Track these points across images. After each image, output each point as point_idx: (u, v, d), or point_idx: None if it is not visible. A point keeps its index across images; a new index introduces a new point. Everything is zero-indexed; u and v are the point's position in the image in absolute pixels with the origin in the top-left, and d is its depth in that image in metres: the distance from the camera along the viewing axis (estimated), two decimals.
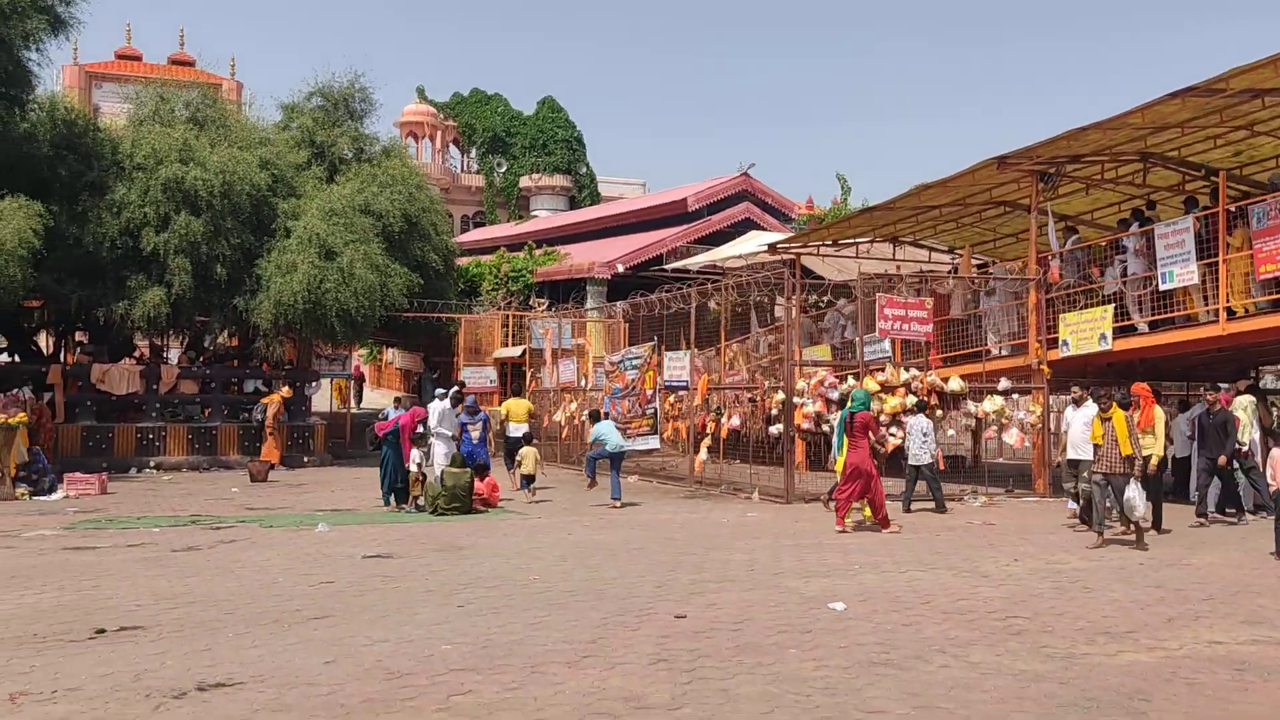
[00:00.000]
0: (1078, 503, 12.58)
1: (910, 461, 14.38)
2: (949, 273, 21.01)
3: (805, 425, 15.91)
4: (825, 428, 15.97)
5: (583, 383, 23.26)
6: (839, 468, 13.08)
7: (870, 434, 12.68)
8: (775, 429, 16.42)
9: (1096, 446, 11.53)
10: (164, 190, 21.56)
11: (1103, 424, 11.41)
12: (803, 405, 15.95)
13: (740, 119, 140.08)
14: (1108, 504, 11.37)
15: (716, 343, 24.15)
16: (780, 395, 16.16)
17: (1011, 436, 16.42)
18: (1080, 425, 12.51)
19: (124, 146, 22.23)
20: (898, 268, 21.39)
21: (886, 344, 17.99)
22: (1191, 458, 14.43)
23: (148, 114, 24.00)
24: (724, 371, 22.91)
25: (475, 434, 16.09)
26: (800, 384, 16.10)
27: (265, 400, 22.77)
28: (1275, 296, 14.40)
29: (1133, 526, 11.38)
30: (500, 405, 21.85)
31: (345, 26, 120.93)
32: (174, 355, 26.00)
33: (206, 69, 40.05)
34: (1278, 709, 5.65)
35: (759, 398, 16.96)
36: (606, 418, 17.76)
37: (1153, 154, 17.46)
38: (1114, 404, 11.43)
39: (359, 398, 37.11)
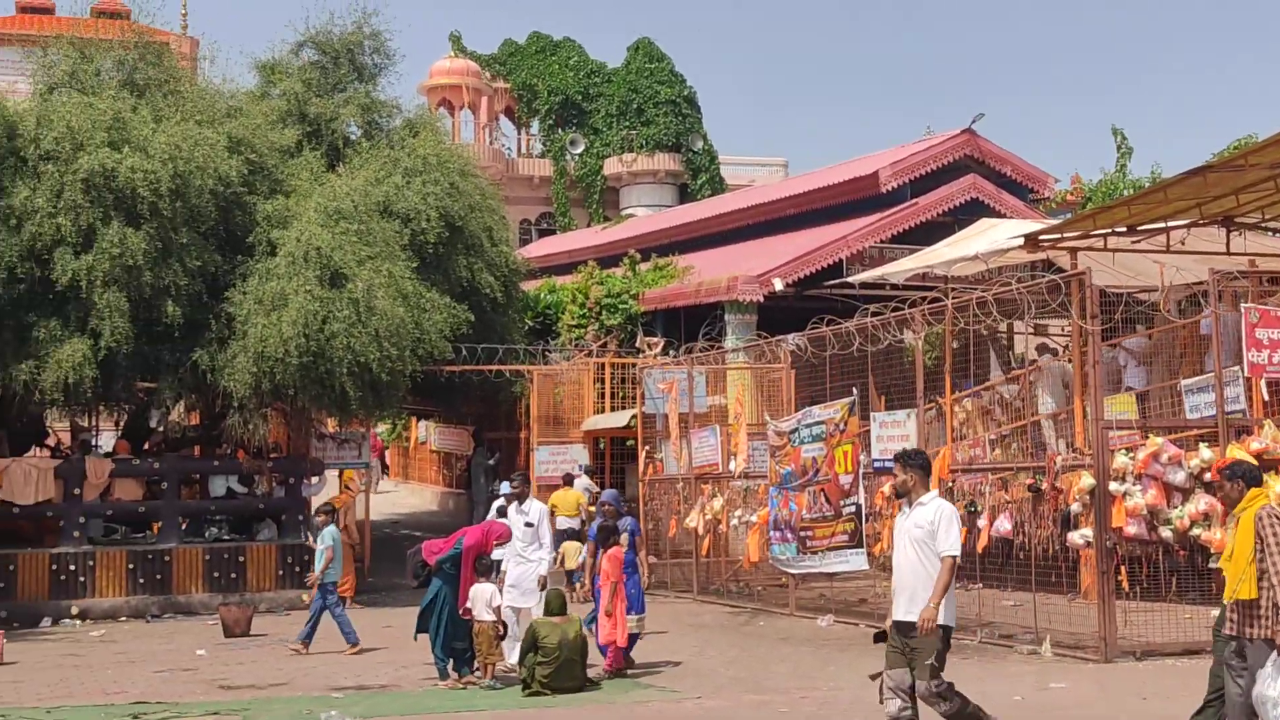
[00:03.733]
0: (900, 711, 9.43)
1: None
2: None
3: (1132, 529, 14.17)
4: (1166, 532, 14.13)
5: (731, 465, 21.82)
6: None
7: None
8: (1080, 535, 14.64)
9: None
10: (86, 189, 20.89)
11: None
12: (1124, 495, 14.15)
13: (929, 70, 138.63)
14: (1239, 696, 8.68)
15: (931, 395, 22.53)
16: (1088, 479, 14.30)
17: None
18: (912, 550, 9.56)
19: (25, 127, 21.63)
20: (1252, 264, 19.30)
21: (1239, 390, 16.08)
22: None
23: (61, 78, 23.58)
24: (951, 442, 21.25)
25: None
26: (1120, 459, 14.25)
27: (337, 500, 22.71)
28: None
29: None
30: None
31: None
32: (106, 442, 25.16)
33: (147, 21, 40.00)
34: None
35: (1045, 484, 15.10)
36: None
37: None
38: (1248, 488, 8.91)
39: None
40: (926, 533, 9.40)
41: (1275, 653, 8.32)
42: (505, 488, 22.45)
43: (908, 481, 9.66)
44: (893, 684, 9.34)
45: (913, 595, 9.35)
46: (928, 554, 9.38)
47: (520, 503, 15.33)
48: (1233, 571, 8.61)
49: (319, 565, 16.79)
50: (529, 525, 15.13)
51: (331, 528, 17.13)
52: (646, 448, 24.98)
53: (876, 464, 17.96)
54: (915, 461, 9.81)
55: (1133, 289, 20.67)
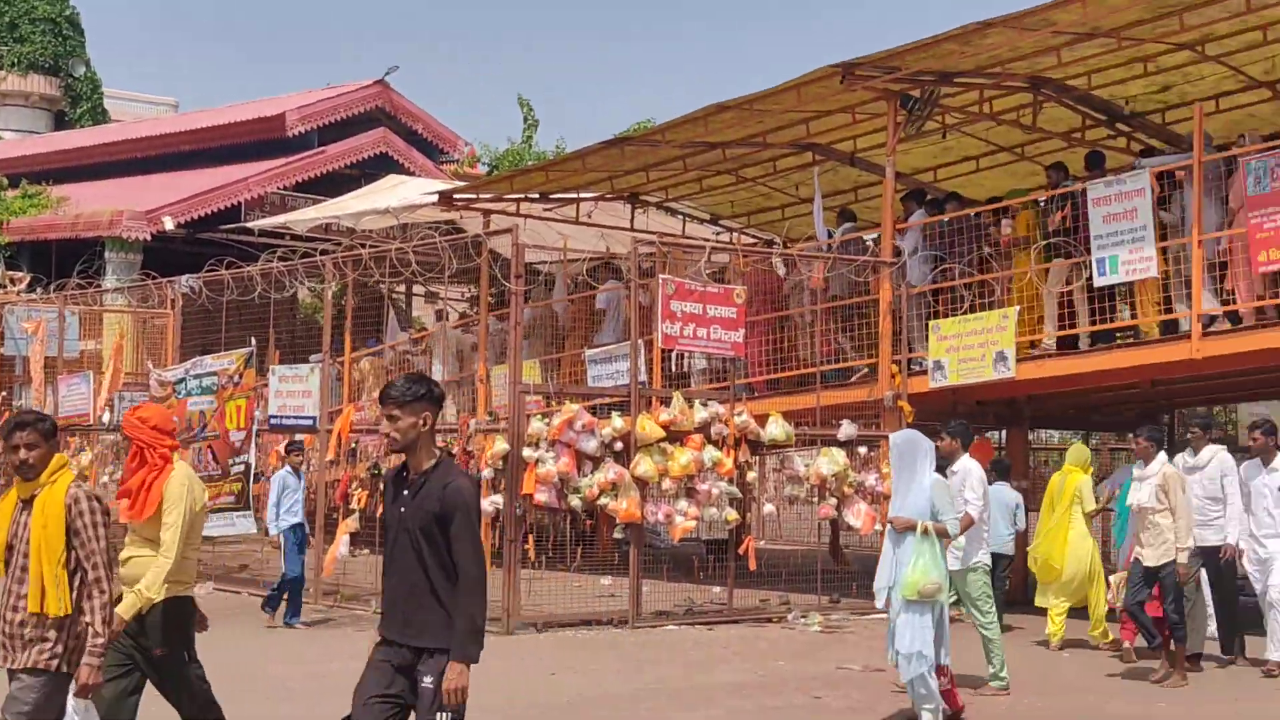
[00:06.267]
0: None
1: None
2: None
3: (542, 497, 13.82)
4: (574, 500, 13.88)
5: (104, 416, 20.05)
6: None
7: None
8: (489, 502, 14.11)
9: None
10: None
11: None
12: (537, 462, 13.75)
13: (351, 24, 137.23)
14: None
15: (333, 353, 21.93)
16: (502, 444, 13.78)
17: (858, 516, 15.22)
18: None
19: None
20: (661, 238, 19.87)
21: (641, 363, 16.24)
22: None
23: None
24: (348, 401, 20.58)
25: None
26: (535, 424, 13.86)
27: None
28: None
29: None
30: None
31: None
32: None
33: None
34: None
35: (458, 447, 14.48)
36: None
37: (1049, 81, 17.07)
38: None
39: None
40: None
41: None
42: None
43: None
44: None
45: None
46: None
47: None
48: (35, 570, 5.85)
49: None
50: None
51: None
52: (3, 393, 22.86)
53: (273, 420, 16.83)
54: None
55: (542, 260, 20.76)
